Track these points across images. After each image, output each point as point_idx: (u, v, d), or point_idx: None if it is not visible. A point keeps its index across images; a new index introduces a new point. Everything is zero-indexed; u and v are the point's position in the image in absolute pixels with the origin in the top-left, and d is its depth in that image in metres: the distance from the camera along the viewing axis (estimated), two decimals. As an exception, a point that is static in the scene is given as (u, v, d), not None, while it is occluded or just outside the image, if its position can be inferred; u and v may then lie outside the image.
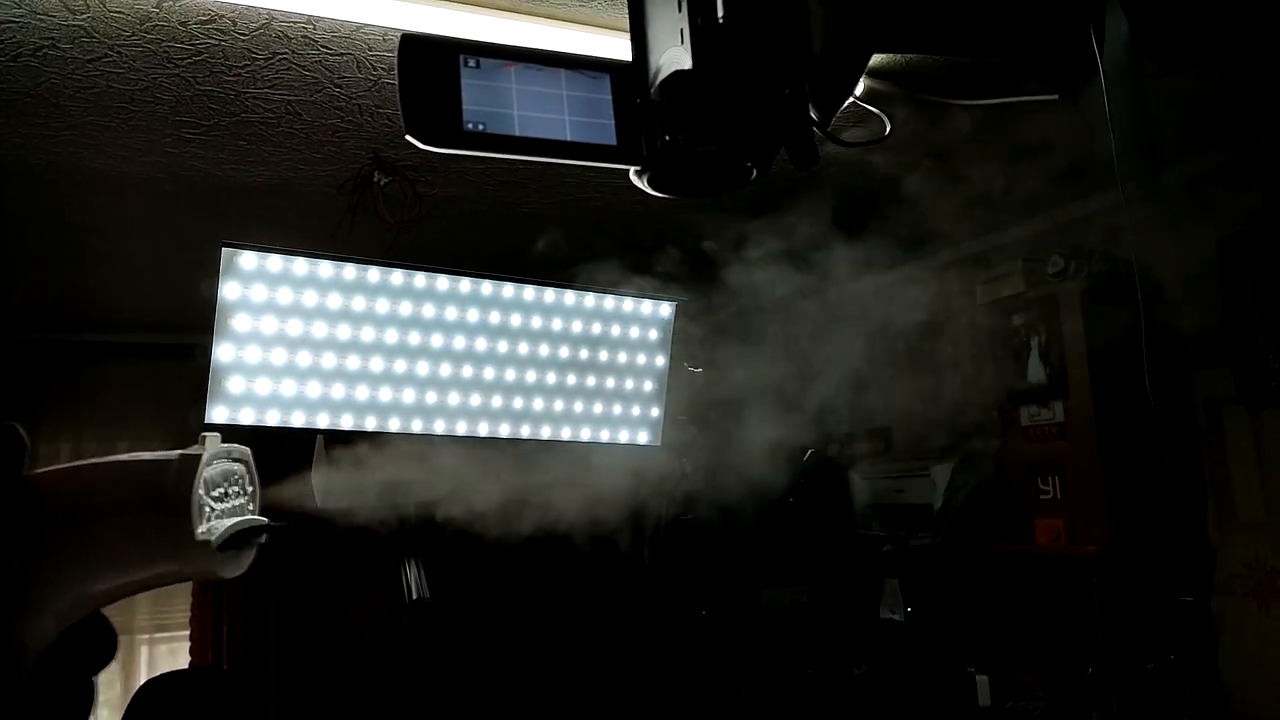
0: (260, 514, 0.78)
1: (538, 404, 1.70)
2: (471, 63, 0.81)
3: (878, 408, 3.15)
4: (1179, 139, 2.22)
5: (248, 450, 0.65)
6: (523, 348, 1.69)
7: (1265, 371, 2.21)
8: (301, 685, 3.45)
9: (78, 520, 0.57)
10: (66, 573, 0.56)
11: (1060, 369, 2.45)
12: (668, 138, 0.80)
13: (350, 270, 1.58)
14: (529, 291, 1.70)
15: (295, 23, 1.49)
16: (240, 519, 0.64)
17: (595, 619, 3.71)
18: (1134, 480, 2.31)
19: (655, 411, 1.81)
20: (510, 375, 1.68)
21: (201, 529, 0.60)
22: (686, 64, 0.79)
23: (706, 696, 3.24)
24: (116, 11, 1.43)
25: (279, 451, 1.78)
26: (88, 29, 1.47)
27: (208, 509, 0.62)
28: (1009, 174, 2.40)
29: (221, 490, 0.65)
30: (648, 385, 1.80)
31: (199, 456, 0.60)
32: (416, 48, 0.80)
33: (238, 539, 0.62)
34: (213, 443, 0.61)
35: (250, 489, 0.69)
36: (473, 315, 1.66)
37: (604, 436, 1.76)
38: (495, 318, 1.67)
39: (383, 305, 1.60)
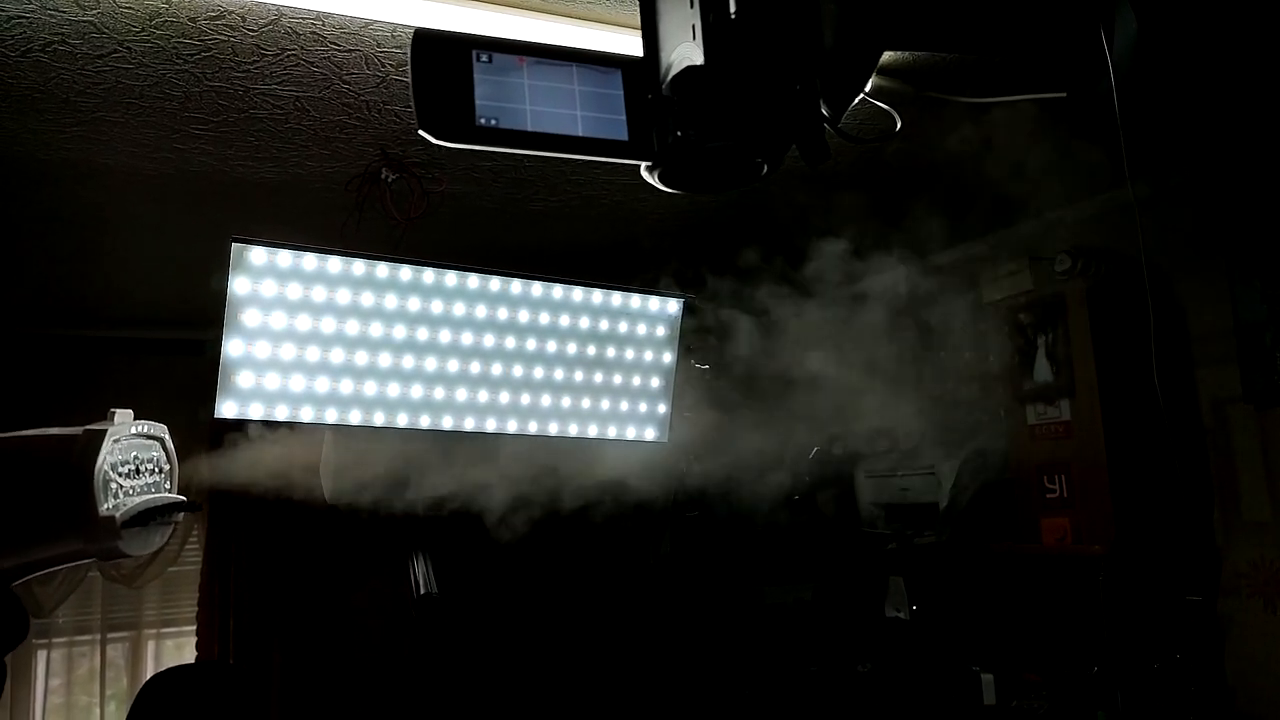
0: (180, 493, 0.74)
1: (545, 400, 1.70)
2: (484, 58, 0.81)
3: (884, 406, 3.15)
4: (1186, 137, 2.22)
5: (163, 427, 0.64)
6: (530, 344, 1.69)
7: (1272, 371, 2.21)
8: (307, 680, 3.46)
9: None
10: None
11: (1067, 368, 2.45)
12: (679, 133, 0.80)
13: (359, 266, 1.58)
14: (537, 287, 1.70)
15: (304, 19, 1.49)
16: (149, 496, 0.62)
17: (601, 616, 3.72)
18: (1140, 480, 2.31)
19: (663, 408, 1.81)
20: (518, 371, 1.68)
21: (106, 505, 0.58)
22: (698, 60, 0.79)
23: (711, 693, 3.24)
24: (126, 7, 1.43)
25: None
26: (97, 25, 1.47)
27: (114, 485, 0.61)
28: (1017, 172, 2.40)
29: (131, 468, 0.63)
30: (655, 382, 1.80)
31: (104, 432, 0.59)
32: (429, 44, 0.80)
33: (144, 516, 0.61)
34: (123, 418, 0.60)
35: (166, 467, 0.67)
36: (481, 311, 1.67)
37: (611, 433, 1.77)
38: (503, 313, 1.67)
39: (391, 301, 1.60)
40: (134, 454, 0.63)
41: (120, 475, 0.60)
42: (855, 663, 2.86)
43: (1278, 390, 2.20)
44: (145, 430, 0.61)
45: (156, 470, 0.64)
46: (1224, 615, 2.30)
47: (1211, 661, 2.28)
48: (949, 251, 3.00)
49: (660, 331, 1.82)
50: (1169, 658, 2.23)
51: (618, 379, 1.75)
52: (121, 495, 0.61)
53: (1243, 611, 2.27)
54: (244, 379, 1.52)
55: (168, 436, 0.63)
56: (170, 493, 0.64)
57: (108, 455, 0.59)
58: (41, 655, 3.44)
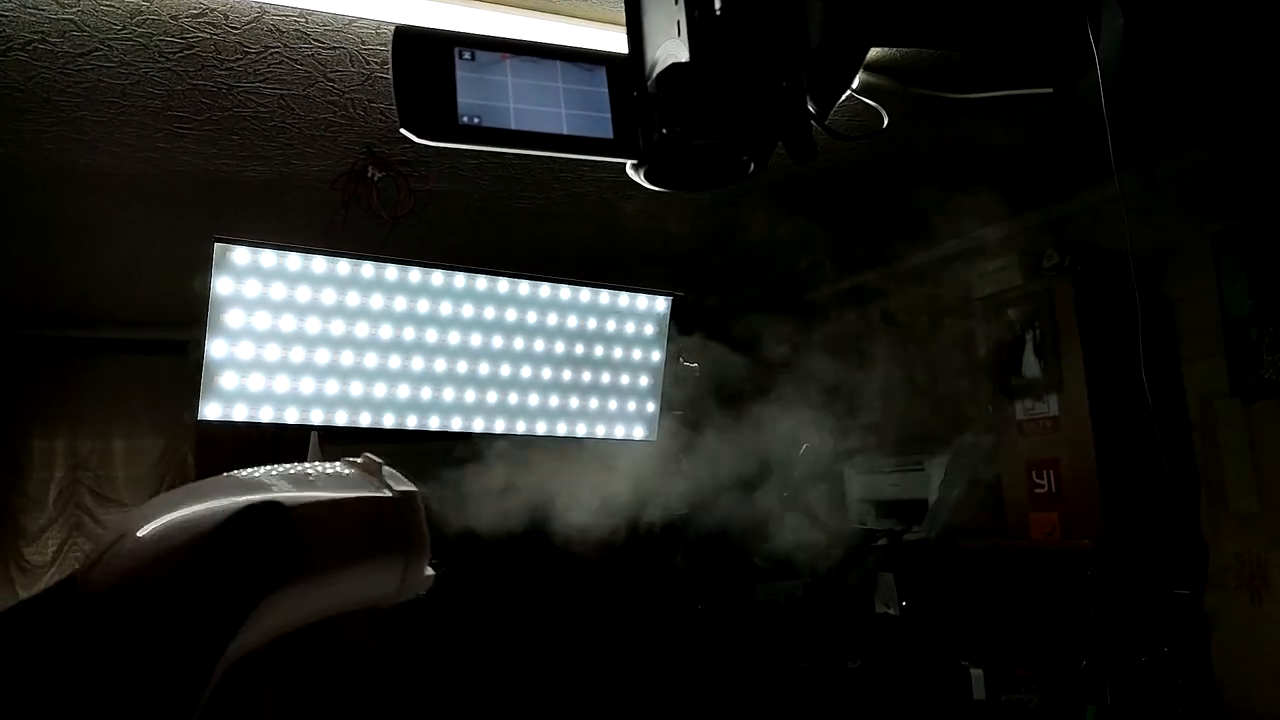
0: None
1: (533, 399, 1.69)
2: (466, 55, 0.81)
3: (873, 402, 3.15)
4: (1173, 132, 2.23)
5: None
6: (518, 343, 1.68)
7: (1258, 365, 2.22)
8: (299, 683, 3.44)
9: (328, 558, 0.55)
10: (299, 602, 0.54)
11: (1055, 363, 2.45)
12: (665, 131, 0.79)
13: (344, 265, 1.57)
14: (524, 286, 1.69)
15: (288, 16, 1.48)
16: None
17: (592, 615, 3.71)
18: (1128, 474, 2.32)
19: (651, 407, 1.81)
20: (505, 370, 1.67)
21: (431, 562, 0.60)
22: (684, 57, 0.78)
23: (703, 691, 3.24)
24: (107, 5, 1.42)
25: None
26: (78, 23, 1.46)
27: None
28: (1004, 167, 2.41)
29: None
30: (644, 380, 1.79)
31: (415, 494, 0.59)
32: (410, 41, 0.79)
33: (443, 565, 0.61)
34: (391, 473, 0.59)
35: None
36: (467, 310, 1.65)
37: (600, 432, 1.76)
38: (490, 313, 1.66)
39: (377, 300, 1.59)
40: None
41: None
42: (846, 659, 2.86)
43: (1264, 384, 2.21)
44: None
45: None
46: (1211, 608, 2.31)
47: (1199, 654, 2.29)
48: (937, 247, 3.01)
49: (648, 329, 1.81)
50: (1157, 651, 2.24)
51: (606, 377, 1.75)
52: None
53: (1229, 604, 2.28)
54: (227, 380, 1.50)
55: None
56: None
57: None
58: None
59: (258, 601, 0.47)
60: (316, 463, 0.58)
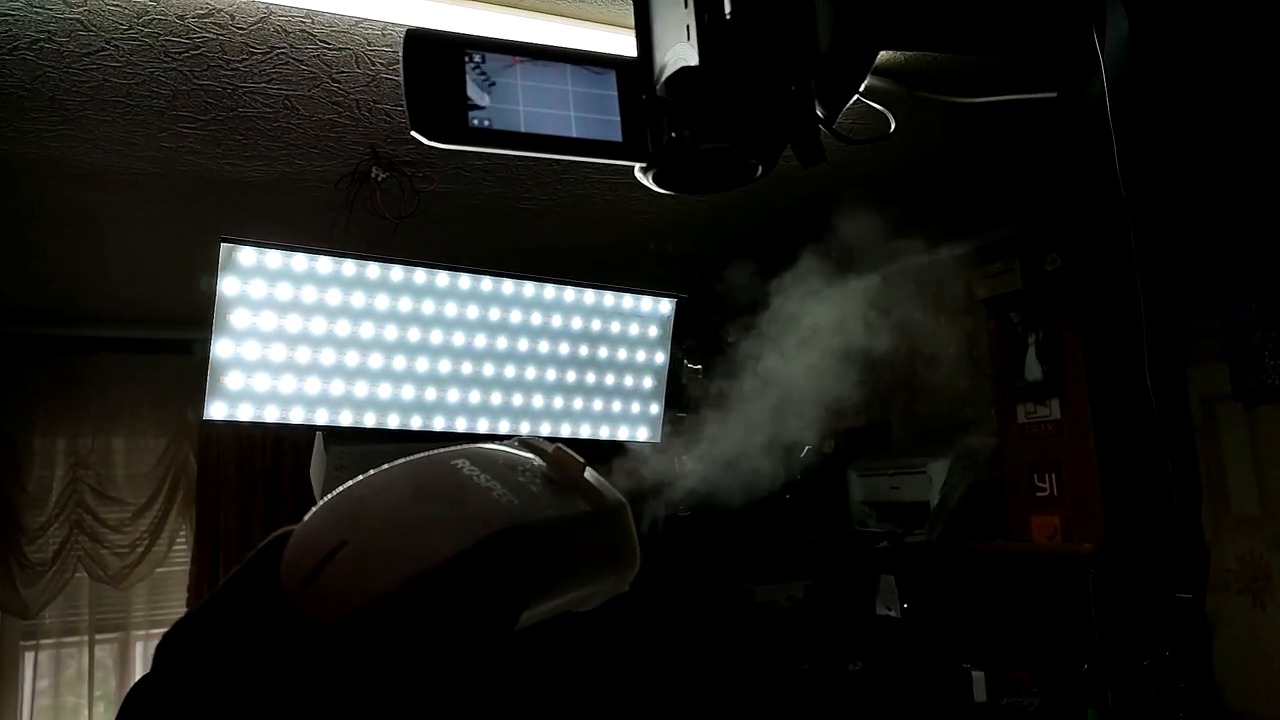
0: None
1: (537, 400, 1.70)
2: (476, 58, 0.81)
3: (875, 404, 3.15)
4: (1177, 137, 2.23)
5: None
6: (522, 344, 1.69)
7: (1261, 369, 2.22)
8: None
9: (566, 578, 0.54)
10: (538, 611, 0.53)
11: (1057, 366, 2.46)
12: (673, 134, 0.79)
13: (349, 266, 1.57)
14: (529, 287, 1.69)
15: (294, 17, 1.48)
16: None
17: (590, 615, 3.71)
18: (1130, 478, 2.32)
19: (655, 408, 1.81)
20: (510, 371, 1.67)
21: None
22: (693, 60, 0.79)
23: (702, 693, 3.24)
24: (113, 5, 1.42)
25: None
26: (84, 22, 1.46)
27: None
28: (1008, 171, 2.41)
29: None
30: (647, 382, 1.79)
31: (627, 505, 0.57)
32: (421, 44, 0.80)
33: None
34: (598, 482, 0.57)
35: None
36: (472, 311, 1.66)
37: (604, 433, 1.76)
38: (495, 314, 1.66)
39: (382, 301, 1.59)
40: None
41: None
42: (847, 661, 2.86)
43: (1266, 388, 2.21)
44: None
45: None
46: (1213, 612, 2.31)
47: (1201, 658, 2.29)
48: (940, 250, 3.01)
49: (652, 331, 1.81)
50: (1159, 654, 2.24)
51: (610, 379, 1.75)
52: None
53: (1231, 608, 2.28)
54: (233, 380, 1.51)
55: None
56: None
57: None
58: (29, 656, 3.41)
59: (507, 635, 0.45)
60: (505, 448, 0.54)
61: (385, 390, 1.58)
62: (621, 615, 3.58)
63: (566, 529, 0.51)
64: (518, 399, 1.67)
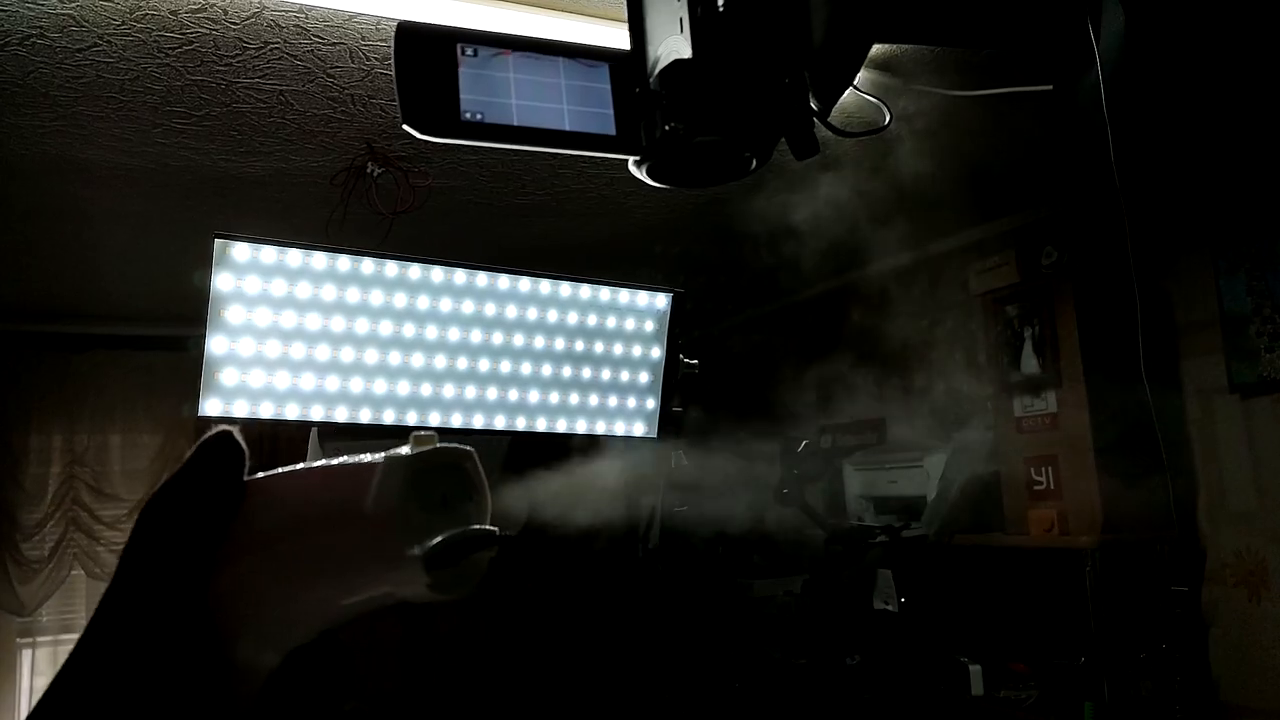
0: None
1: (534, 396, 1.69)
2: (468, 51, 0.80)
3: (871, 398, 3.15)
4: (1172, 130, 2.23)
5: (471, 451, 0.52)
6: (518, 339, 1.68)
7: (1256, 362, 2.22)
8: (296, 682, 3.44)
9: (288, 533, 0.49)
10: (275, 590, 0.49)
11: (1054, 360, 2.46)
12: (667, 127, 0.79)
13: (344, 261, 1.56)
14: (524, 283, 1.69)
15: (287, 12, 1.48)
16: (455, 530, 0.51)
17: (589, 610, 3.72)
18: (1127, 471, 2.32)
19: (652, 404, 1.80)
20: (505, 367, 1.67)
21: (416, 548, 0.50)
22: (686, 53, 0.78)
23: (700, 687, 3.24)
24: (106, 0, 1.41)
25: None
26: (76, 18, 1.45)
27: (422, 520, 0.51)
28: (1003, 164, 2.41)
29: (437, 499, 0.52)
30: (644, 377, 1.79)
31: (406, 459, 0.50)
32: (413, 37, 0.79)
33: (452, 553, 0.50)
34: (424, 443, 0.50)
35: (475, 496, 0.55)
36: (468, 307, 1.65)
37: (600, 429, 1.75)
38: (490, 309, 1.65)
39: (377, 297, 1.58)
40: (440, 481, 0.53)
41: (426, 508, 0.51)
42: (844, 655, 2.86)
43: (1262, 381, 2.21)
44: (452, 455, 0.51)
45: (467, 499, 0.53)
46: (1209, 605, 2.32)
47: (1197, 651, 2.29)
48: (935, 244, 3.01)
49: (649, 326, 1.80)
50: (1155, 648, 2.24)
51: (607, 374, 1.74)
52: (431, 530, 0.51)
53: (1227, 601, 2.29)
54: (228, 376, 1.50)
55: (476, 460, 0.51)
56: (480, 524, 0.53)
57: (411, 487, 0.50)
58: (26, 654, 3.41)
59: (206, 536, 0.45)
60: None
61: (380, 386, 1.57)
62: (621, 611, 3.58)
63: (294, 474, 0.52)
64: (513, 394, 1.66)
